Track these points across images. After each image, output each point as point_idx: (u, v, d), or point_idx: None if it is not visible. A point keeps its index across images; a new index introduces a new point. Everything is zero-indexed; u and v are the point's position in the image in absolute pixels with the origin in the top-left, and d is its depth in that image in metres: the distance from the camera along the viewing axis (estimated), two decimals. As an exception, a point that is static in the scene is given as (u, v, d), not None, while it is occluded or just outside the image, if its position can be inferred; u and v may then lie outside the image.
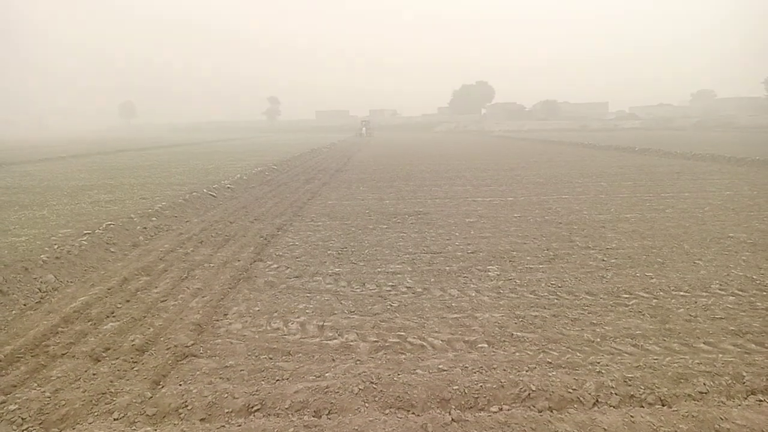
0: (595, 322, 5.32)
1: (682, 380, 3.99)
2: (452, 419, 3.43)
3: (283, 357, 4.71)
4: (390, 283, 6.73)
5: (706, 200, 12.38)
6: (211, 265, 7.67)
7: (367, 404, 3.77)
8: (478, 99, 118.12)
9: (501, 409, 3.65)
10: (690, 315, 5.41)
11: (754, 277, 6.57)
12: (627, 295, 6.08)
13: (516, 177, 18.32)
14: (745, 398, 3.76)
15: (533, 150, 34.02)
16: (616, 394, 3.82)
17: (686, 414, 3.44)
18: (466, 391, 3.88)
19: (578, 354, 4.60)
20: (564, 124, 79.19)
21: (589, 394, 3.81)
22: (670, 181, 16.24)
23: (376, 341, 5.00)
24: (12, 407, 3.82)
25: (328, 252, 8.43)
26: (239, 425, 3.49)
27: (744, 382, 3.93)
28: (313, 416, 3.63)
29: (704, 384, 3.92)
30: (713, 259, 7.46)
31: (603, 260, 7.53)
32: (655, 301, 5.88)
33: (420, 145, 42.94)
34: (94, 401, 3.92)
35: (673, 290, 6.20)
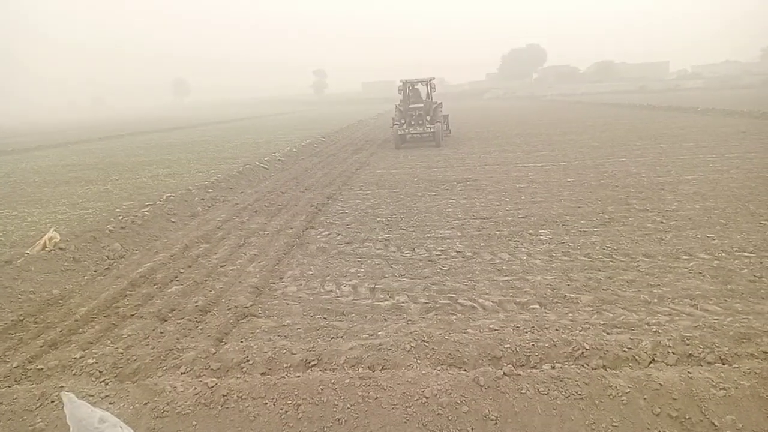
0: (652, 283, 5.18)
1: (744, 340, 3.85)
2: (504, 374, 3.46)
3: (337, 317, 4.86)
4: (439, 248, 6.76)
5: (776, 159, 11.65)
6: (266, 232, 7.91)
7: (419, 360, 3.85)
8: (528, 63, 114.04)
9: (554, 367, 3.64)
10: (754, 276, 5.19)
11: (828, 237, 6.20)
12: (687, 257, 5.88)
13: (569, 141, 17.77)
14: (814, 357, 3.59)
15: (588, 113, 32.77)
16: (673, 353, 3.73)
17: (748, 371, 3.33)
18: (518, 350, 3.89)
19: (634, 315, 4.52)
20: (621, 85, 75.34)
21: (645, 353, 3.75)
22: (735, 141, 15.33)
23: (426, 303, 5.07)
24: (90, 361, 4.14)
25: (378, 219, 8.52)
26: (298, 377, 3.65)
27: (813, 342, 3.76)
28: (368, 370, 3.75)
29: (769, 344, 3.77)
30: (782, 219, 7.06)
31: (662, 222, 7.27)
32: (716, 262, 5.65)
33: (468, 112, 42.09)
34: (162, 357, 4.19)
35: (736, 251, 5.94)
